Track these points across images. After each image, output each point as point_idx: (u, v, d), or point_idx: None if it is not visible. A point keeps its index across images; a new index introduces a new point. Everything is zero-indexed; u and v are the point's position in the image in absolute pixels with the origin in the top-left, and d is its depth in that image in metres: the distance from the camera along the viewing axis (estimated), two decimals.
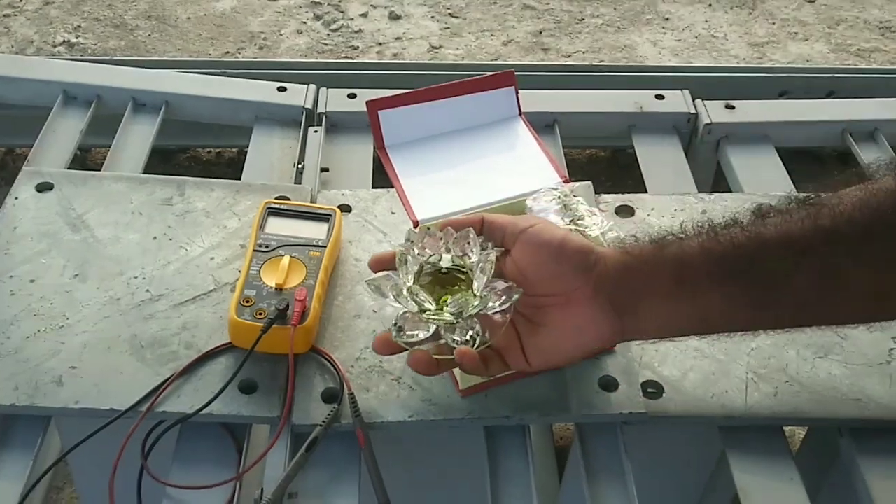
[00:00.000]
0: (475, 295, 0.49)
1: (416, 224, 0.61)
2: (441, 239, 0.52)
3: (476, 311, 0.49)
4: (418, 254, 0.52)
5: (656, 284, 0.45)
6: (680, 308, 0.45)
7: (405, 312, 0.50)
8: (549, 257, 0.47)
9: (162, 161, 1.36)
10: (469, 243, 0.51)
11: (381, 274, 0.52)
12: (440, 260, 0.51)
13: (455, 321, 0.49)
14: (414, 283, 0.51)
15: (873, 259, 0.41)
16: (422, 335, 0.50)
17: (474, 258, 0.50)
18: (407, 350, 0.52)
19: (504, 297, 0.49)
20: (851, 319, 0.46)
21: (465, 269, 0.51)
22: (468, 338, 0.49)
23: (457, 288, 0.51)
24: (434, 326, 0.50)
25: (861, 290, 0.42)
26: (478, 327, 0.49)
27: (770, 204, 0.45)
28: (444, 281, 0.51)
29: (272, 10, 1.77)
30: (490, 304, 0.49)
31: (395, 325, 0.50)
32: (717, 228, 0.45)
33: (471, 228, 0.50)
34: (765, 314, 0.45)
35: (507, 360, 0.50)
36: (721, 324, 0.47)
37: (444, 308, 0.49)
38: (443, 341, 0.51)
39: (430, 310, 0.50)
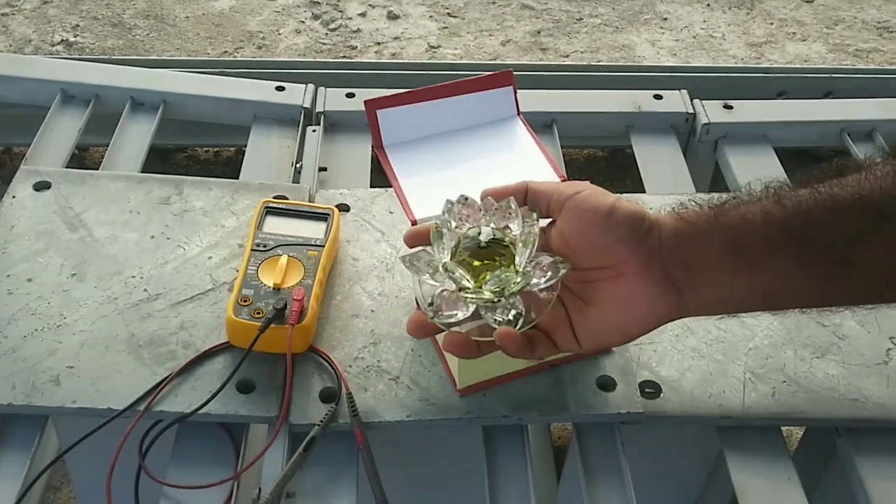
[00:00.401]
0: (517, 271, 0.44)
1: (414, 223, 0.61)
2: (481, 210, 0.47)
3: (518, 288, 0.44)
4: (456, 227, 0.47)
5: (710, 254, 0.41)
6: (738, 281, 0.41)
7: (442, 290, 0.46)
8: (597, 226, 0.43)
9: (160, 160, 1.36)
10: (511, 214, 0.46)
11: (416, 249, 0.47)
12: (479, 233, 0.47)
13: (496, 300, 0.44)
14: (451, 258, 0.46)
15: None
16: (461, 315, 0.45)
17: (516, 230, 0.46)
18: (444, 331, 0.47)
19: (550, 273, 0.44)
20: None
21: (506, 243, 0.46)
22: (511, 317, 0.44)
23: (497, 263, 0.46)
24: (473, 306, 0.45)
25: None
26: (521, 306, 0.45)
27: (852, 159, 0.38)
28: (484, 255, 0.46)
29: (270, 9, 1.77)
30: (534, 281, 0.44)
31: (431, 304, 0.45)
32: (783, 189, 0.40)
33: (512, 198, 0.45)
34: (835, 289, 0.40)
35: (556, 340, 0.45)
36: (786, 299, 0.42)
37: (484, 285, 0.45)
38: (483, 321, 0.46)
39: (468, 287, 0.45)
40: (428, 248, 0.48)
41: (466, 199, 0.49)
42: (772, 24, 1.79)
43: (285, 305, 0.62)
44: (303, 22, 1.74)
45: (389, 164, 0.64)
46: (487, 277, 0.45)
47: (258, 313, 0.62)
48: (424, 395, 0.61)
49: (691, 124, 0.94)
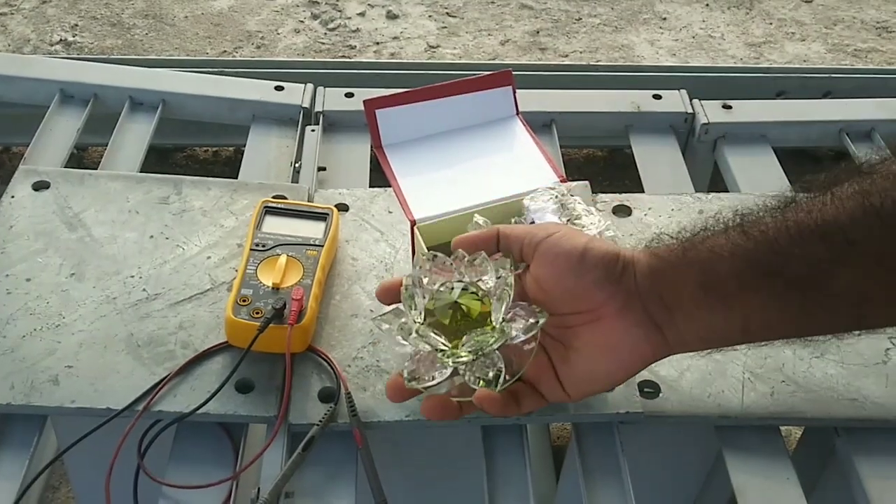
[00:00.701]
0: (494, 327, 0.43)
1: (413, 223, 0.61)
2: (450, 265, 0.46)
3: (497, 345, 0.43)
4: (427, 283, 0.45)
5: (683, 291, 0.39)
6: (714, 317, 0.39)
7: (417, 354, 0.45)
8: (570, 270, 0.41)
9: (159, 160, 1.36)
10: (481, 267, 0.45)
11: (389, 310, 0.46)
12: (451, 290, 0.45)
13: (474, 359, 0.43)
14: (424, 319, 0.44)
15: None
16: (438, 377, 0.44)
17: (490, 283, 0.44)
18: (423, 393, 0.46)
19: (529, 322, 0.43)
20: None
21: (480, 297, 0.45)
22: (490, 377, 0.42)
23: (475, 319, 0.44)
24: (451, 367, 0.43)
25: None
26: (500, 363, 0.43)
27: (808, 181, 0.37)
28: (459, 312, 0.45)
29: (269, 9, 1.76)
30: (513, 334, 0.43)
31: (407, 371, 0.43)
32: (750, 217, 0.38)
33: (482, 252, 0.44)
34: (812, 319, 0.38)
35: (542, 391, 0.43)
36: (764, 332, 0.40)
37: (461, 347, 0.43)
38: (462, 380, 0.45)
39: (444, 350, 0.43)
40: (400, 307, 0.47)
41: (436, 256, 0.47)
42: (771, 24, 1.79)
43: (284, 305, 0.62)
44: (302, 22, 1.74)
45: (388, 163, 0.64)
46: (464, 340, 0.43)
47: (257, 313, 0.62)
48: (423, 395, 0.61)
49: (690, 124, 0.94)
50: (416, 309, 0.45)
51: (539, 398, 0.42)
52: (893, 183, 0.34)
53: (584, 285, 0.41)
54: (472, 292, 0.45)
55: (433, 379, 0.43)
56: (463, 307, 0.44)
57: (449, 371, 0.43)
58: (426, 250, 0.51)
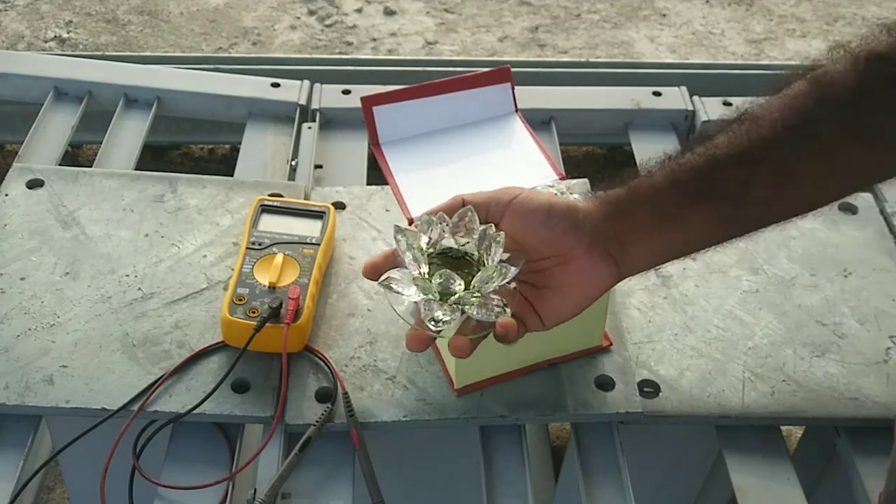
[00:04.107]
0: (494, 267, 0.48)
1: (410, 221, 0.60)
2: (427, 225, 0.50)
3: (497, 283, 0.48)
4: (415, 246, 0.50)
5: (640, 225, 0.49)
6: (664, 239, 0.49)
7: (426, 302, 0.48)
8: (541, 224, 0.49)
9: (154, 158, 1.36)
10: (469, 221, 0.50)
11: (391, 272, 0.49)
12: (439, 244, 0.50)
13: (481, 298, 0.48)
14: (431, 272, 0.49)
15: (814, 152, 0.46)
16: (452, 319, 0.48)
17: (477, 234, 0.50)
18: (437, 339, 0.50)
19: (514, 268, 0.49)
20: (802, 210, 0.50)
21: (465, 251, 0.50)
22: (500, 310, 0.48)
23: (467, 270, 0.50)
24: (461, 309, 0.48)
25: (810, 183, 0.47)
26: (502, 300, 0.49)
27: (714, 124, 0.49)
28: (453, 265, 0.50)
29: (266, 5, 1.76)
30: (507, 275, 0.49)
31: (432, 319, 0.47)
32: (678, 158, 0.49)
33: (470, 207, 0.50)
34: (734, 225, 0.50)
35: (525, 323, 0.50)
36: (700, 242, 0.50)
37: (471, 287, 0.48)
38: (471, 320, 0.49)
39: (456, 292, 0.48)
40: (399, 269, 0.49)
41: (405, 228, 0.51)
42: (771, 20, 1.78)
43: (281, 304, 0.61)
44: (298, 18, 1.73)
45: (386, 161, 0.64)
46: (473, 281, 0.49)
47: (253, 312, 0.61)
48: (421, 395, 0.61)
49: (690, 121, 0.94)
50: (418, 263, 0.49)
51: (523, 328, 0.50)
52: (780, 114, 0.46)
53: (554, 235, 0.49)
54: (462, 244, 0.50)
55: (452, 321, 0.48)
56: (454, 257, 0.50)
57: (460, 312, 0.48)
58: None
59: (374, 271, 0.50)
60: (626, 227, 0.49)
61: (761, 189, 0.47)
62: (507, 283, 0.49)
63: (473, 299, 0.48)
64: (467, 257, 0.50)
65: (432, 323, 0.47)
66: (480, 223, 0.50)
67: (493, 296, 0.48)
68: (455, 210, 0.50)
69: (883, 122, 0.44)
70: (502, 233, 0.49)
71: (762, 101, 0.48)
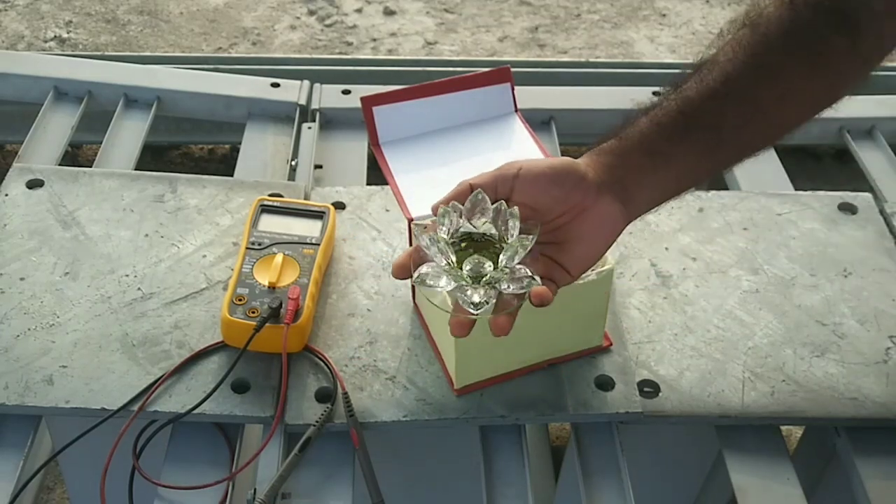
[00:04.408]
0: (516, 243, 0.51)
1: (410, 221, 0.60)
2: (444, 216, 0.52)
3: (521, 255, 0.51)
4: (438, 239, 0.52)
5: (636, 166, 0.53)
6: (659, 177, 0.54)
7: (461, 288, 0.50)
8: (551, 185, 0.52)
9: (154, 158, 1.36)
10: (482, 205, 0.52)
11: (422, 268, 0.51)
12: (458, 231, 0.52)
13: (510, 273, 0.50)
14: (458, 259, 0.51)
15: (765, 79, 0.53)
16: (489, 299, 0.50)
17: (491, 214, 0.52)
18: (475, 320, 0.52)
19: (532, 237, 0.51)
20: (774, 135, 0.56)
21: (483, 232, 0.52)
22: (529, 280, 0.50)
23: (490, 250, 0.52)
24: (496, 287, 0.50)
25: (771, 108, 0.54)
26: (529, 269, 0.51)
27: (682, 72, 0.55)
28: (475, 248, 0.52)
29: (265, 5, 1.76)
30: (528, 245, 0.51)
31: (469, 303, 0.50)
32: (658, 106, 0.54)
33: (479, 190, 0.52)
34: (717, 156, 0.55)
35: (555, 280, 0.53)
36: (691, 176, 0.55)
37: (501, 264, 0.51)
38: (503, 297, 0.51)
39: (487, 273, 0.50)
40: (428, 263, 0.51)
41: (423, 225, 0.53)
42: None
43: (280, 304, 0.61)
44: (298, 18, 1.73)
45: (386, 161, 0.63)
46: (500, 259, 0.51)
47: (253, 312, 0.61)
48: (421, 395, 0.61)
49: None
50: (447, 251, 0.51)
51: (553, 286, 0.53)
52: (733, 54, 0.53)
53: (565, 191, 0.52)
54: (481, 228, 0.52)
55: (491, 301, 0.50)
56: (477, 240, 0.52)
57: (494, 291, 0.50)
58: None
59: (403, 270, 0.52)
60: (624, 171, 0.53)
61: (733, 118, 0.53)
62: (529, 252, 0.51)
63: (504, 276, 0.50)
64: (487, 237, 0.52)
65: (471, 307, 0.49)
66: (503, 201, 0.52)
67: (519, 267, 0.50)
68: (464, 196, 0.52)
69: (811, 50, 0.53)
70: (515, 207, 0.51)
71: (716, 49, 0.55)
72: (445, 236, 0.51)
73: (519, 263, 0.50)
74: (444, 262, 0.50)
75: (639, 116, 0.54)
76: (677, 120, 0.53)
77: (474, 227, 0.52)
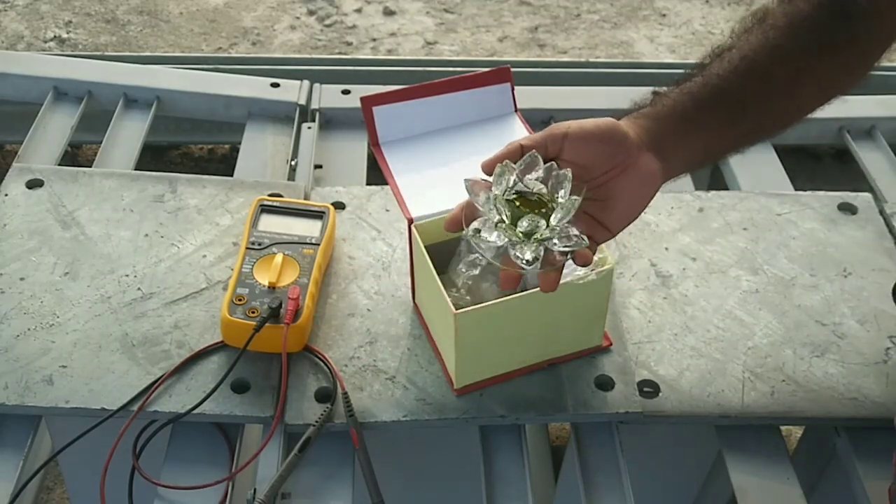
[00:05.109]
0: (568, 202, 0.53)
1: (410, 221, 0.60)
2: (500, 175, 0.53)
3: (571, 214, 0.52)
4: (493, 197, 0.53)
5: (671, 129, 0.57)
6: (688, 142, 0.57)
7: (513, 244, 0.52)
8: (600, 143, 0.55)
9: (153, 158, 1.36)
10: (536, 165, 0.54)
11: (475, 223, 0.53)
12: (512, 190, 0.53)
13: (561, 232, 0.52)
14: (512, 216, 0.53)
15: (781, 61, 0.58)
16: (539, 256, 0.52)
17: (542, 173, 0.54)
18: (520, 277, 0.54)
19: (577, 197, 0.53)
20: (791, 116, 0.60)
21: (536, 191, 0.54)
22: (578, 239, 0.52)
23: (542, 209, 0.54)
24: (546, 245, 0.52)
25: (786, 88, 0.58)
26: (576, 229, 0.53)
27: (706, 57, 0.60)
28: (527, 205, 0.54)
29: (265, 5, 1.76)
30: (578, 205, 0.53)
31: (522, 259, 0.52)
32: (686, 81, 0.59)
33: (533, 151, 0.54)
34: (740, 127, 0.59)
35: (596, 239, 0.55)
36: (716, 145, 0.59)
37: (553, 220, 0.53)
38: (550, 255, 0.53)
39: (539, 231, 0.52)
40: (479, 220, 0.53)
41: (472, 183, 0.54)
42: None
43: (280, 304, 0.61)
44: (298, 18, 1.73)
45: (385, 161, 0.63)
46: (552, 217, 0.53)
47: (253, 312, 0.61)
48: (421, 395, 0.61)
49: None
50: (502, 207, 0.52)
51: (594, 244, 0.55)
52: (747, 44, 0.58)
53: (611, 149, 0.55)
54: (531, 186, 0.54)
55: (541, 256, 0.52)
56: (528, 198, 0.53)
57: (543, 248, 0.52)
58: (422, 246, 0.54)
59: (456, 224, 0.54)
60: (660, 134, 0.57)
61: (752, 92, 0.58)
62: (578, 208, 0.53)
63: (555, 234, 0.52)
64: (538, 196, 0.53)
65: (524, 262, 0.51)
66: (554, 162, 0.54)
67: (568, 227, 0.52)
68: (514, 155, 0.54)
69: (815, 37, 0.57)
70: (568, 169, 0.53)
71: (728, 40, 0.60)
72: (500, 194, 0.53)
73: (567, 222, 0.52)
74: (498, 218, 0.52)
75: (669, 90, 0.59)
76: (704, 91, 0.57)
77: (527, 186, 0.53)
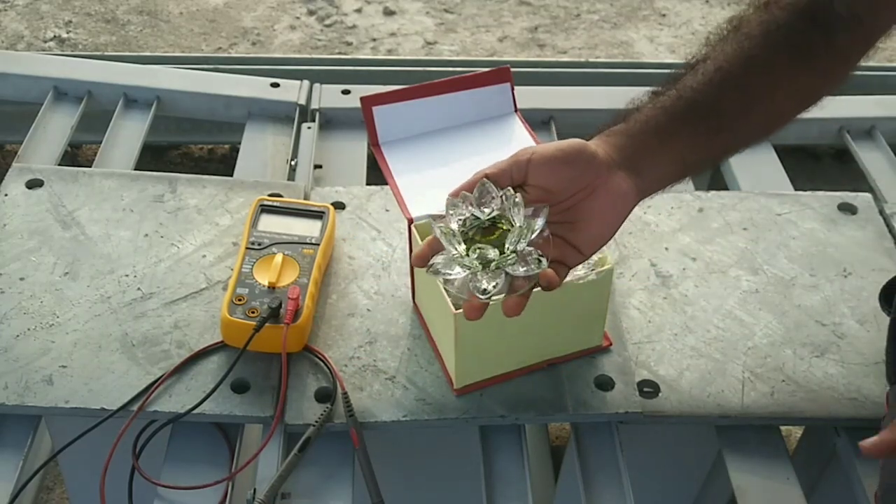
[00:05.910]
0: (521, 227, 0.52)
1: (410, 221, 0.60)
2: (453, 207, 0.53)
3: (528, 238, 0.52)
4: (445, 230, 0.53)
5: (645, 145, 0.55)
6: (664, 157, 0.56)
7: (471, 276, 0.52)
8: (564, 166, 0.54)
9: (153, 157, 1.36)
10: (489, 193, 0.53)
11: (434, 259, 0.53)
12: (470, 218, 0.53)
13: (518, 255, 0.52)
14: (468, 248, 0.53)
15: (758, 68, 0.56)
16: (498, 283, 0.52)
17: (497, 202, 0.53)
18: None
19: (539, 219, 0.52)
20: (770, 124, 0.59)
21: (493, 219, 0.53)
22: (534, 267, 0.51)
23: (496, 235, 0.53)
24: (503, 272, 0.52)
25: (763, 95, 0.57)
26: (537, 252, 0.52)
27: (677, 71, 0.58)
28: (488, 234, 0.53)
29: (265, 5, 1.76)
30: (536, 227, 0.53)
31: (479, 289, 0.51)
32: (659, 95, 0.57)
33: (484, 179, 0.54)
34: (719, 140, 0.58)
35: (567, 263, 0.54)
36: (696, 159, 0.58)
37: (506, 251, 0.52)
38: (516, 280, 0.53)
39: (494, 259, 0.52)
40: (441, 253, 0.52)
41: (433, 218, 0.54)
42: None
43: (280, 304, 0.61)
44: (298, 18, 1.73)
45: (385, 161, 0.63)
46: (506, 243, 0.52)
47: (253, 312, 0.61)
48: (421, 395, 0.61)
49: None
50: (458, 241, 0.52)
51: (566, 269, 0.55)
52: (723, 53, 0.57)
53: (577, 171, 0.54)
54: (491, 215, 0.53)
55: (499, 286, 0.51)
56: (486, 226, 0.53)
57: (504, 275, 0.51)
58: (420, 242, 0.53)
59: (422, 260, 0.53)
60: (633, 150, 0.56)
61: (729, 104, 0.56)
62: (539, 234, 0.52)
63: (511, 259, 0.51)
64: (499, 224, 0.53)
65: (483, 294, 0.51)
66: (509, 188, 0.53)
67: (528, 249, 0.51)
68: (474, 185, 0.54)
69: (791, 46, 0.56)
70: (518, 194, 0.52)
71: (703, 50, 0.58)
72: (455, 226, 0.52)
73: (529, 246, 0.51)
74: (454, 250, 0.52)
75: (642, 105, 0.57)
76: (678, 105, 0.56)
77: (483, 214, 0.53)
